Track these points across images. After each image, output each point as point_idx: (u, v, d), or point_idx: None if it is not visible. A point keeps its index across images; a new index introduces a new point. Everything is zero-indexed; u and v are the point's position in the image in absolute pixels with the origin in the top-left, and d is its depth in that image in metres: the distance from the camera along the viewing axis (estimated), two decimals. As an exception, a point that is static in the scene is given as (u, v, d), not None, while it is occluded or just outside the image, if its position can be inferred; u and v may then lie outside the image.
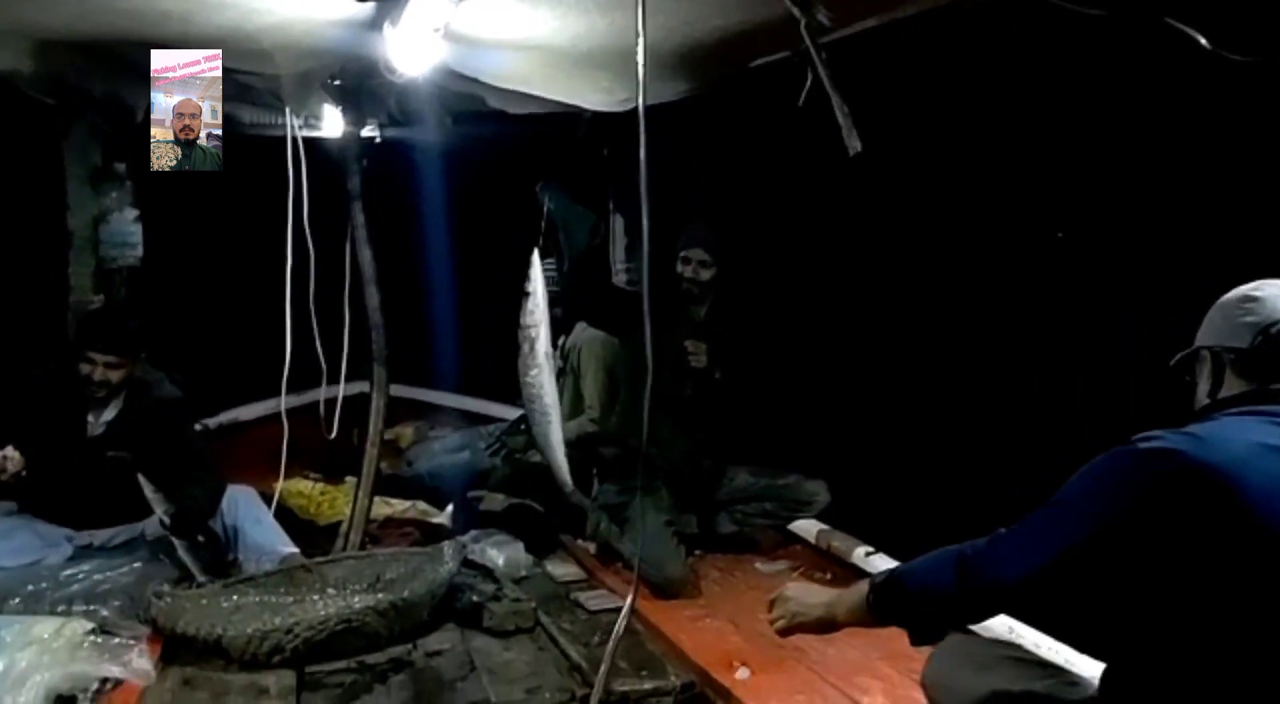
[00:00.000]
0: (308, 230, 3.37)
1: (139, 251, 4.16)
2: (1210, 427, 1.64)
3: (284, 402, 3.78)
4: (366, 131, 3.79)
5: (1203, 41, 1.87)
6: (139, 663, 2.73)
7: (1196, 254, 2.69)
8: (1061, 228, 3.27)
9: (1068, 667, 2.16)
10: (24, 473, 3.15)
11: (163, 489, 3.34)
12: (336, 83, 3.29)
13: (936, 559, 1.75)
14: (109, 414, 3.49)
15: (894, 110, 3.28)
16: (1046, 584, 1.63)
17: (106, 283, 4.15)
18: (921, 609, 1.78)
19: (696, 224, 3.86)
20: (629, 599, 2.45)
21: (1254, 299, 1.72)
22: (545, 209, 3.73)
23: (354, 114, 3.41)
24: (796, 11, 2.14)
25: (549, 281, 3.76)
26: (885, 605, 1.79)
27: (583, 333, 4.37)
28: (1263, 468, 1.51)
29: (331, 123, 3.61)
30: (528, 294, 3.40)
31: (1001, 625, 2.70)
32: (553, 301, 3.85)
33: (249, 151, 3.46)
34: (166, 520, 3.33)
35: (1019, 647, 2.28)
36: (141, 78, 3.20)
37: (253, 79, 3.22)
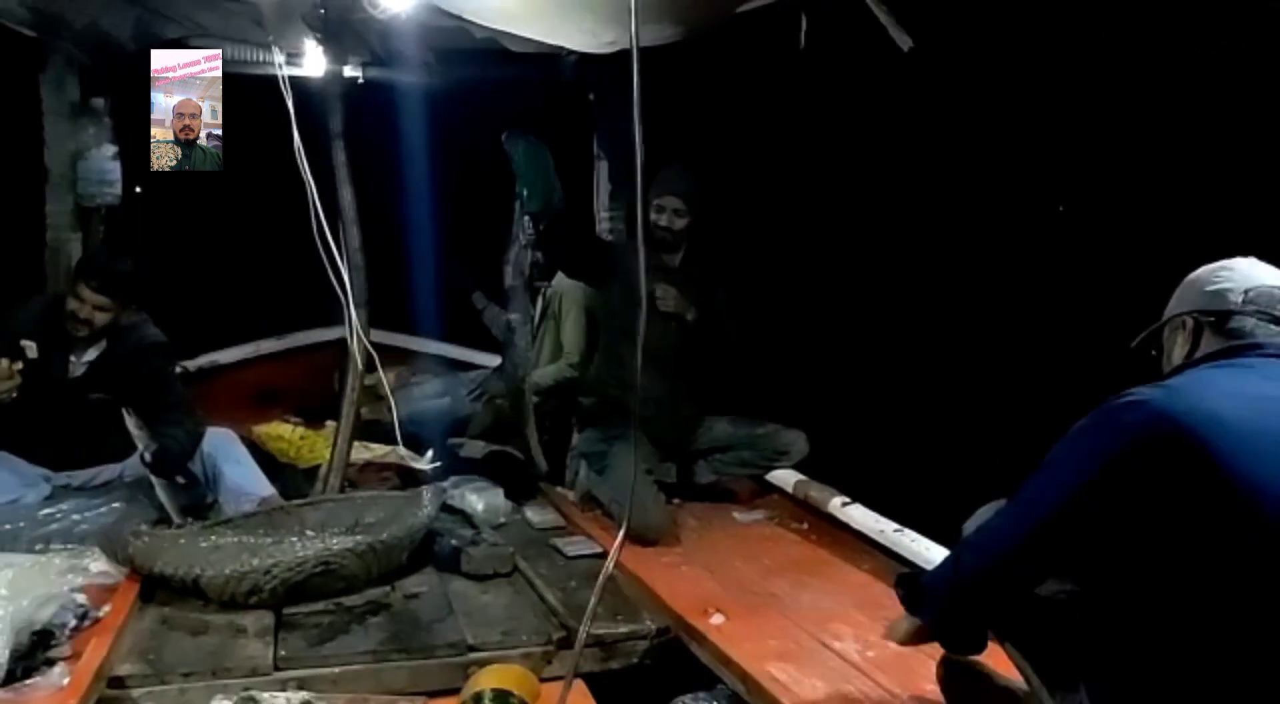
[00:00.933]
0: (305, 167, 3.30)
1: (117, 190, 4.12)
2: (1181, 379, 1.69)
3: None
4: (348, 71, 3.73)
5: None
6: (96, 566, 2.81)
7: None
8: (1061, 201, 3.28)
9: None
10: (15, 394, 3.15)
11: (146, 427, 3.33)
12: (320, 12, 3.22)
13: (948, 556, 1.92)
14: (91, 355, 3.48)
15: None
16: (1030, 561, 1.69)
17: (85, 221, 4.12)
18: (935, 606, 1.92)
19: (671, 171, 3.80)
20: (618, 538, 2.42)
21: (1228, 268, 1.80)
22: (511, 159, 3.70)
23: (336, 51, 3.34)
24: None
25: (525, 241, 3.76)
26: (909, 602, 1.98)
27: (563, 280, 4.36)
28: (1236, 412, 1.52)
29: (313, 60, 3.54)
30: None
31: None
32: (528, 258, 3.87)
33: (229, 89, 3.40)
34: (148, 457, 3.32)
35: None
36: (123, 7, 3.16)
37: (236, 5, 3.16)
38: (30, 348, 3.32)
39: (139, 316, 3.63)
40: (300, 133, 3.32)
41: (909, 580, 2.04)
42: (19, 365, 3.20)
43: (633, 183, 4.42)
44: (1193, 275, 1.85)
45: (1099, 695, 1.69)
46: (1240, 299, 1.73)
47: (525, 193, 3.67)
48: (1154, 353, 1.88)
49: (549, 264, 4.21)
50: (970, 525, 2.07)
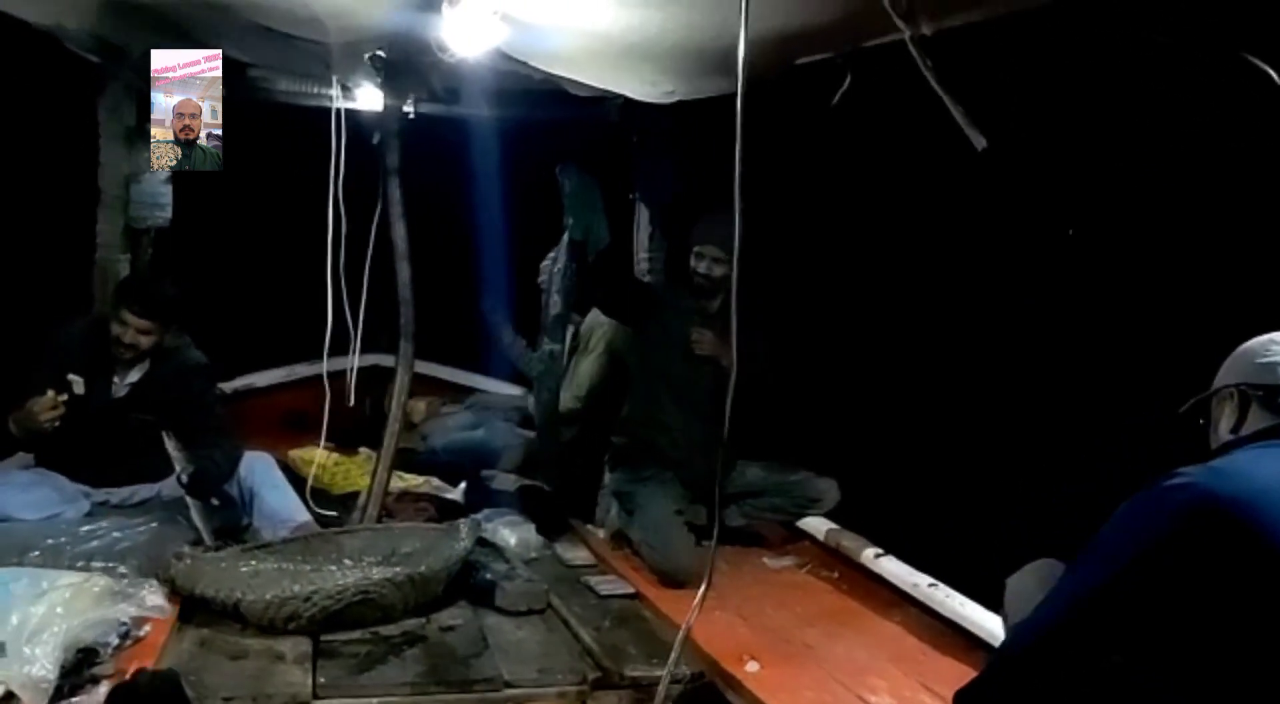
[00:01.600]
0: (340, 201, 3.38)
1: (168, 213, 4.18)
2: (1228, 459, 1.67)
3: (325, 366, 3.82)
4: (407, 107, 3.81)
5: (1277, 78, 1.89)
6: (153, 600, 2.80)
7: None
8: (1073, 226, 3.31)
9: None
10: (58, 423, 3.20)
11: (185, 449, 3.38)
12: (381, 56, 3.30)
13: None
14: (134, 376, 3.53)
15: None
16: (1078, 638, 1.64)
17: (134, 243, 4.18)
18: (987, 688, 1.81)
19: (712, 219, 3.85)
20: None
21: (1278, 342, 1.75)
22: (562, 190, 3.77)
23: (396, 89, 3.42)
24: (901, 24, 2.17)
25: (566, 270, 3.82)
26: None
27: (598, 316, 4.42)
28: None
29: (370, 96, 3.62)
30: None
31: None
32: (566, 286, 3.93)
33: (285, 120, 3.47)
34: (184, 479, 3.37)
35: None
36: (180, 38, 3.23)
37: (301, 45, 3.23)
38: (77, 383, 3.40)
39: (181, 339, 3.69)
40: (353, 166, 3.40)
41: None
42: (64, 397, 3.25)
43: (672, 226, 4.52)
44: (1244, 346, 1.82)
45: None
46: None
47: (571, 221, 3.75)
48: (1201, 422, 1.86)
49: (587, 299, 4.27)
50: (1012, 583, 2.08)
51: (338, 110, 3.29)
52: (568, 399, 4.39)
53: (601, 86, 3.43)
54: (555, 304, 4.00)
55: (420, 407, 5.35)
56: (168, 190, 4.17)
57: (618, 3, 1.99)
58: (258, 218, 5.15)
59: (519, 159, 4.46)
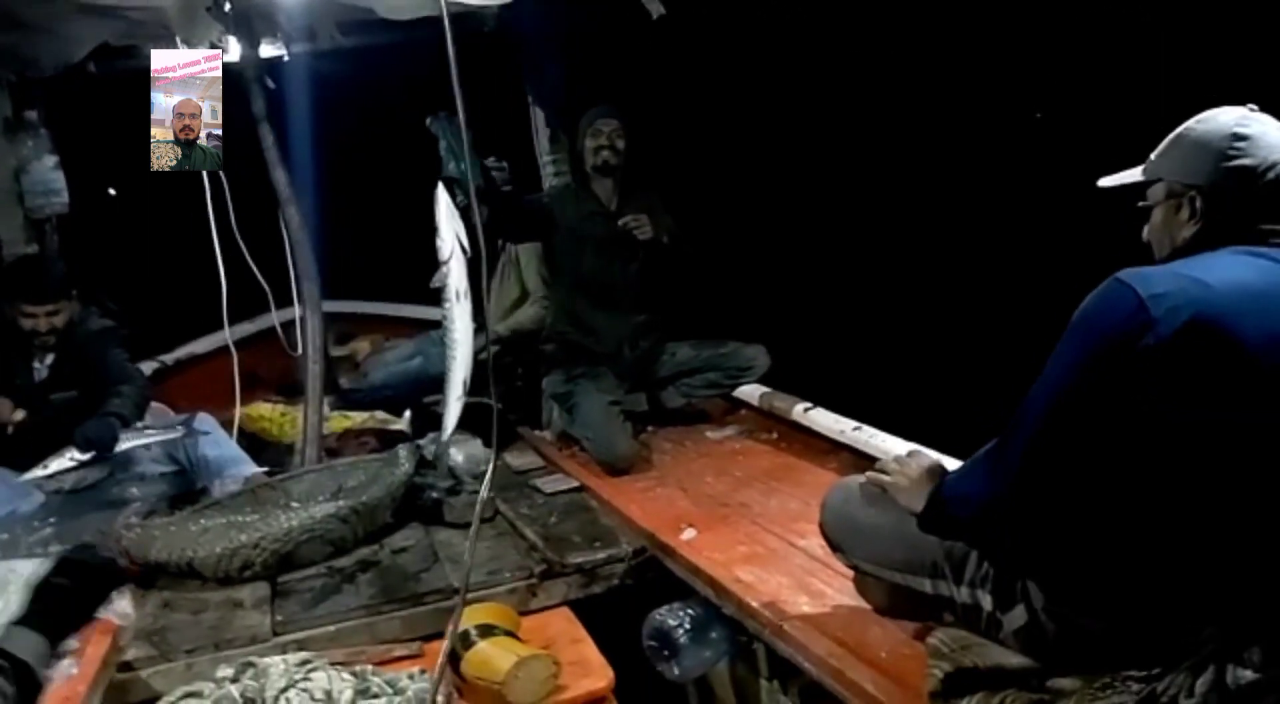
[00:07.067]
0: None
1: (64, 198, 4.18)
2: (1203, 266, 1.55)
3: (228, 334, 3.84)
4: (268, 52, 3.77)
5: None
6: (119, 604, 2.86)
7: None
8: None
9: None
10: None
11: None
12: (226, 5, 3.26)
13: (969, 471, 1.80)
14: (49, 358, 3.57)
15: None
16: (1062, 437, 1.57)
17: (38, 232, 4.18)
18: (957, 532, 1.85)
19: (599, 107, 3.88)
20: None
21: (1244, 138, 1.61)
22: (439, 142, 3.74)
23: (247, 36, 3.39)
24: None
25: (500, 181, 3.80)
26: (931, 526, 1.86)
27: None
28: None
29: (229, 46, 3.58)
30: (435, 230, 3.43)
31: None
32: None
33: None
34: (79, 442, 3.43)
35: None
36: (35, 29, 3.20)
37: (140, 14, 3.19)
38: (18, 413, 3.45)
39: (87, 311, 3.71)
40: (227, 117, 3.38)
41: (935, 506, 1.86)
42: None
43: (569, 124, 4.49)
44: (1199, 133, 1.65)
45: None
46: (1272, 175, 1.58)
47: (463, 167, 3.72)
48: (1139, 205, 1.74)
49: (493, 231, 4.27)
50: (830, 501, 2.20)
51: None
52: (539, 310, 4.42)
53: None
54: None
55: (363, 346, 5.40)
56: (59, 176, 4.17)
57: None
58: (156, 191, 5.11)
59: (402, 84, 4.41)
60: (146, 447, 3.59)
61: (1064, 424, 1.57)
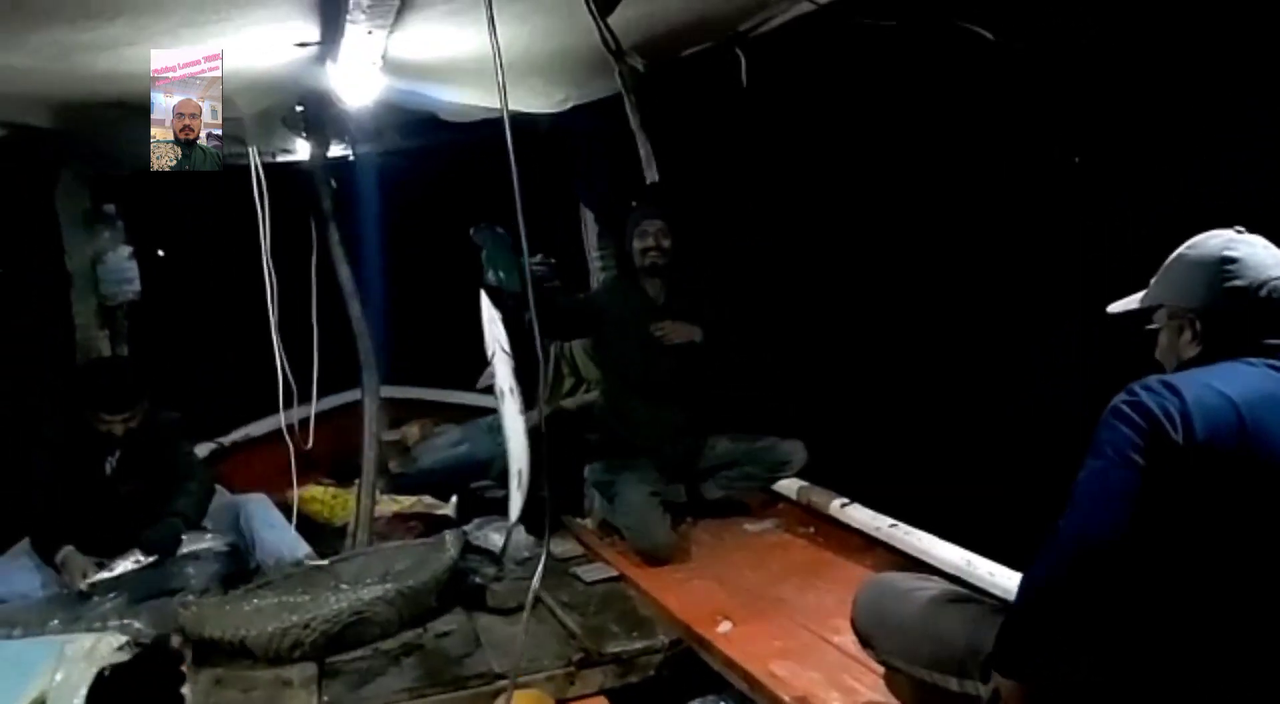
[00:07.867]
0: (267, 256, 3.58)
1: (136, 286, 4.38)
2: (1217, 371, 1.65)
3: (282, 418, 3.99)
4: (335, 152, 4.00)
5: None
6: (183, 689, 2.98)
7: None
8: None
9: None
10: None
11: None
12: (300, 111, 3.49)
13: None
14: (118, 451, 3.71)
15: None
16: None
17: (109, 318, 4.38)
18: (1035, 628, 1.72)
19: (645, 202, 4.02)
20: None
21: (1234, 261, 1.70)
22: (481, 252, 3.89)
23: (319, 139, 3.61)
24: (613, 61, 2.30)
25: (543, 277, 3.95)
26: (1008, 660, 1.75)
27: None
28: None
29: (299, 148, 3.81)
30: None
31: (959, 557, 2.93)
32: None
33: (223, 184, 3.65)
34: (144, 544, 3.56)
35: (929, 576, 2.47)
36: (116, 128, 3.42)
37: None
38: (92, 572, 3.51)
39: (151, 408, 3.86)
40: (293, 215, 3.59)
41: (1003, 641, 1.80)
42: (95, 576, 3.46)
43: (614, 222, 4.66)
44: (1192, 258, 1.76)
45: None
46: (1264, 293, 1.67)
47: (502, 276, 3.86)
48: (1147, 327, 1.82)
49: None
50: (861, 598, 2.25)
51: (256, 171, 3.46)
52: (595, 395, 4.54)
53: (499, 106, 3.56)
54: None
55: (414, 430, 5.54)
56: (133, 265, 4.37)
57: (481, 28, 2.13)
58: (220, 281, 5.33)
59: (451, 184, 4.61)
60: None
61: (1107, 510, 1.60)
